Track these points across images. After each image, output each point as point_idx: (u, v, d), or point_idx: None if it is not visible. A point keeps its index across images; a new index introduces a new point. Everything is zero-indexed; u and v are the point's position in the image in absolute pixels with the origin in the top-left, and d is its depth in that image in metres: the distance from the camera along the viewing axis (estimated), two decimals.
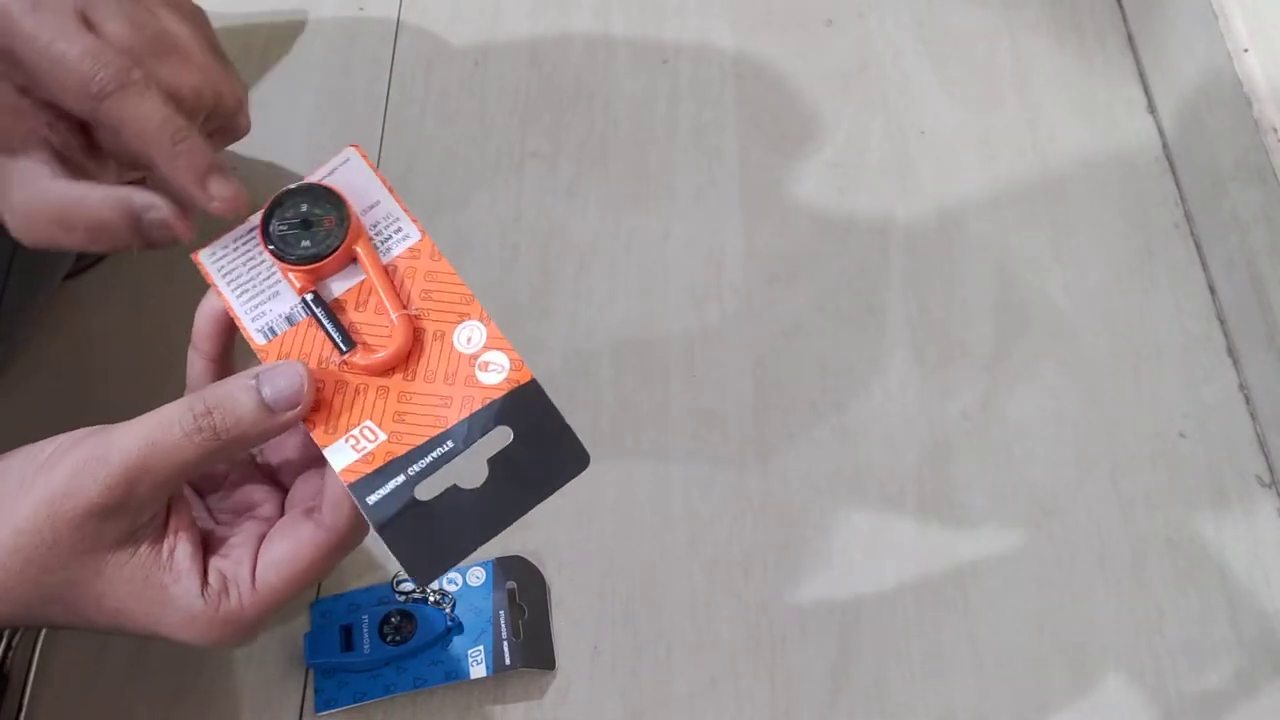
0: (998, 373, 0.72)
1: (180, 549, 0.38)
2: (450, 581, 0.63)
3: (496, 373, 0.39)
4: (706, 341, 0.73)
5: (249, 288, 0.40)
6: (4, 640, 0.55)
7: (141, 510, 0.37)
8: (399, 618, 0.60)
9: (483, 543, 0.37)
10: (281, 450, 0.44)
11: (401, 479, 0.37)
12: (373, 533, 0.38)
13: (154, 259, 0.74)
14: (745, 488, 0.68)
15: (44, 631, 0.59)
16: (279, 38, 0.85)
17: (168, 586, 0.38)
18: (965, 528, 0.67)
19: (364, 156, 0.42)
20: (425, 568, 0.37)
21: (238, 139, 0.42)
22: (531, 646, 0.61)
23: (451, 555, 0.37)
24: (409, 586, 0.62)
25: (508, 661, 0.60)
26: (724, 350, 0.73)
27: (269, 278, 0.40)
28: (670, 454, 0.69)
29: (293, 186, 0.40)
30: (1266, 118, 0.72)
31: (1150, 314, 0.75)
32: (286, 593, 0.39)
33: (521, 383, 0.38)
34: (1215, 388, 0.73)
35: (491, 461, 0.37)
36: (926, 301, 0.75)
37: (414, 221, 0.41)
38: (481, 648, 0.60)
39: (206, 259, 0.41)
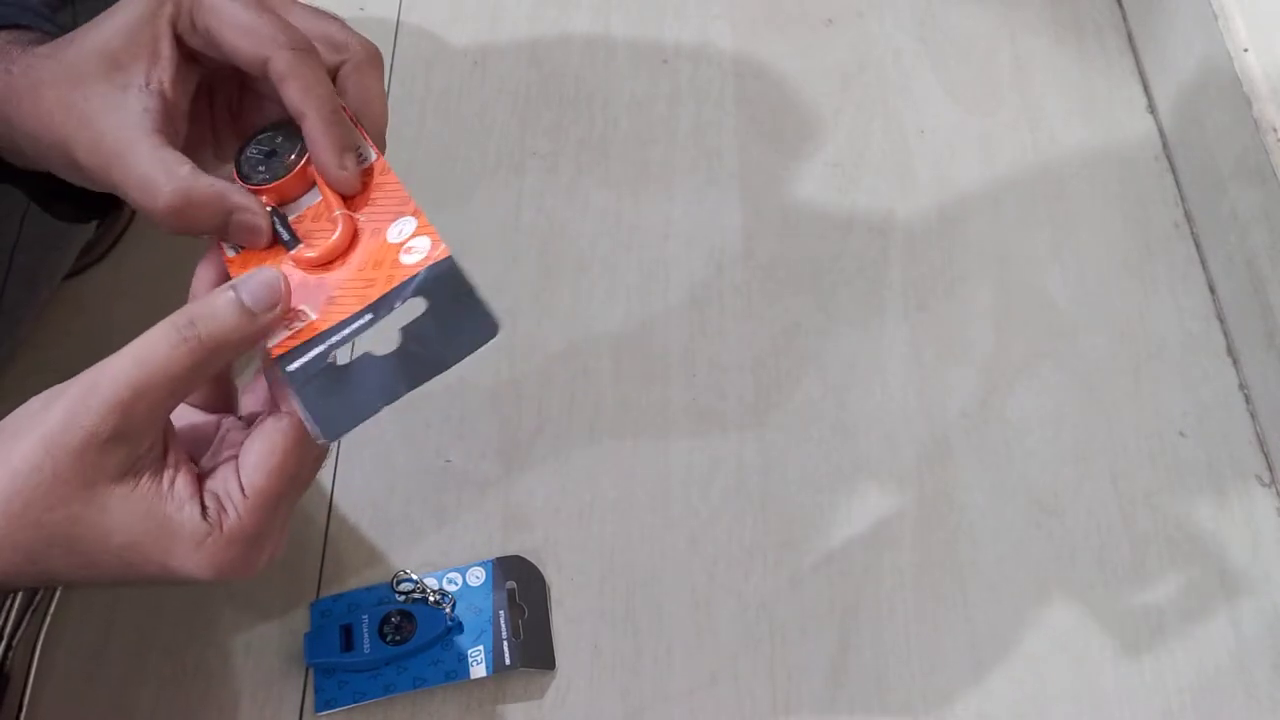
0: (997, 372, 0.72)
1: (180, 479, 0.39)
2: (450, 581, 0.63)
3: (417, 254, 0.42)
4: (706, 341, 0.73)
5: None
6: (4, 640, 0.55)
7: (140, 436, 0.38)
8: (399, 617, 0.60)
9: (388, 402, 0.39)
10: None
11: (321, 348, 0.40)
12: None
13: (155, 257, 0.74)
14: (745, 486, 0.68)
15: (44, 631, 0.59)
16: None
17: (171, 515, 0.39)
18: (965, 526, 0.67)
19: None
20: (332, 423, 0.39)
21: None
22: (531, 646, 0.61)
23: (359, 412, 0.39)
24: (409, 586, 0.62)
25: (508, 661, 0.60)
26: (724, 350, 0.73)
27: None
28: (670, 454, 0.69)
29: (273, 122, 0.45)
30: (1266, 117, 0.72)
31: (1150, 314, 0.75)
32: (275, 489, 0.40)
33: (437, 259, 0.41)
34: (1215, 387, 0.73)
35: (403, 330, 0.40)
36: (926, 301, 0.75)
37: (372, 145, 0.45)
38: (481, 648, 0.60)
39: None
